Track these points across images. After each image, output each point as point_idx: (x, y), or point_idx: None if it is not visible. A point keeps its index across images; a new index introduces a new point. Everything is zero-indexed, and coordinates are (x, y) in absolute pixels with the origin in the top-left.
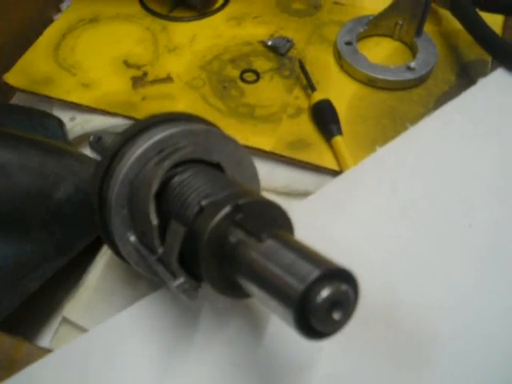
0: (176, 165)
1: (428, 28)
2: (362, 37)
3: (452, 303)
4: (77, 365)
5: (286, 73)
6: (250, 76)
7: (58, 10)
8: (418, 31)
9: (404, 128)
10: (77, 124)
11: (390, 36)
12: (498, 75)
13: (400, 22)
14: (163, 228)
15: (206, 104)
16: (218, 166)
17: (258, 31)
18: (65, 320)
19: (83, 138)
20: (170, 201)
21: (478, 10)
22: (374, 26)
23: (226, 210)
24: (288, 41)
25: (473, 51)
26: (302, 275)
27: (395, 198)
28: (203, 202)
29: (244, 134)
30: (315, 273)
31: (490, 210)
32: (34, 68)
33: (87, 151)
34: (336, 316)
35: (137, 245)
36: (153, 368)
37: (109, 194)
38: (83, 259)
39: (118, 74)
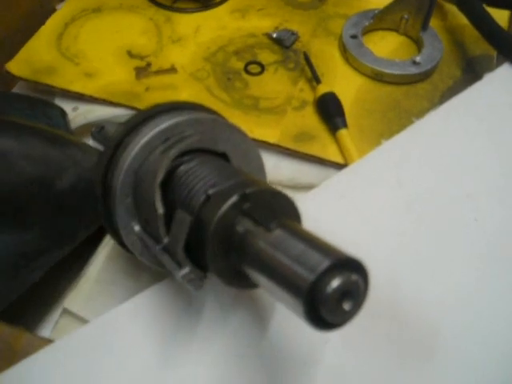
0: (182, 154)
1: (434, 23)
2: (367, 30)
3: (456, 299)
4: (78, 356)
5: (291, 65)
6: (254, 68)
7: (61, 0)
8: (424, 26)
9: (409, 122)
10: (79, 114)
11: (396, 30)
12: (505, 70)
13: (406, 16)
14: (168, 218)
15: (210, 95)
16: (224, 156)
17: (262, 23)
18: (66, 311)
19: (86, 128)
20: (175, 190)
21: (484, 5)
22: (379, 20)
23: (234, 199)
24: (293, 33)
25: (478, 46)
26: (312, 265)
27: (400, 192)
28: (210, 191)
29: (248, 126)
30: (325, 263)
31: (496, 205)
32: (36, 57)
33: (89, 141)
34: (346, 306)
35: (141, 234)
36: (154, 359)
37: (113, 183)
38: (85, 250)
39: (122, 64)
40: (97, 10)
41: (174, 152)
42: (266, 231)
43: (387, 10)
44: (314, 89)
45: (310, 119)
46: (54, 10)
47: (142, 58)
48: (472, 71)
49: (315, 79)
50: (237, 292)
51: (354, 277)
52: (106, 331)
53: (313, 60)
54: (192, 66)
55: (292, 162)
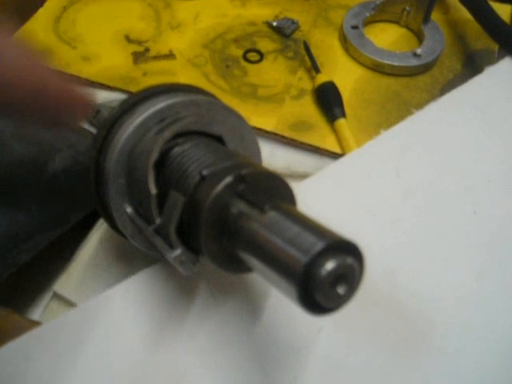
0: (177, 135)
1: (435, 16)
2: (368, 22)
3: (452, 290)
4: (65, 338)
5: (290, 54)
6: (253, 56)
7: None
8: (426, 18)
9: (408, 114)
10: None
11: (397, 22)
12: (506, 64)
13: (407, 8)
14: (162, 200)
15: (207, 82)
16: (220, 140)
17: (262, 12)
18: (56, 295)
19: None
20: (169, 171)
21: None
22: (380, 11)
23: (228, 179)
24: (293, 22)
25: (480, 41)
26: (306, 247)
27: (397, 182)
28: (204, 172)
29: (246, 114)
30: (319, 245)
31: (494, 197)
32: (33, 40)
33: (85, 125)
34: (341, 290)
35: (133, 216)
36: (143, 344)
37: (106, 163)
38: (77, 234)
39: (119, 48)
40: None
41: (168, 133)
42: (260, 213)
43: (389, 1)
44: (312, 78)
45: (308, 108)
46: None
47: (140, 43)
48: (473, 65)
49: (314, 68)
50: (230, 277)
51: (349, 260)
52: (94, 315)
53: (313, 50)
54: (190, 52)
55: (288, 151)
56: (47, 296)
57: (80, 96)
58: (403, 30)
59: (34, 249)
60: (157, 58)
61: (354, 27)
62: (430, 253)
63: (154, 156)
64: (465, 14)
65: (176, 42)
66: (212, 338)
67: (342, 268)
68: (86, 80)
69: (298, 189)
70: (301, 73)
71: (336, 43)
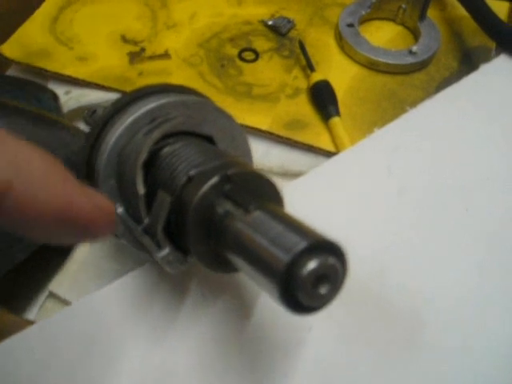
0: (167, 136)
1: (432, 13)
2: (364, 20)
3: (444, 288)
4: (59, 337)
5: (286, 53)
6: (248, 55)
7: None
8: (422, 16)
9: (403, 112)
10: (72, 98)
11: (393, 20)
12: (501, 61)
13: (403, 6)
14: (151, 200)
15: (203, 81)
16: (210, 141)
17: (258, 11)
18: (51, 294)
19: (78, 111)
20: (158, 171)
21: None
22: (376, 9)
23: (214, 180)
24: (289, 21)
25: (476, 38)
26: (288, 246)
27: (390, 180)
28: (192, 172)
29: (241, 113)
30: (302, 244)
31: (487, 195)
32: (30, 40)
33: (82, 126)
34: (323, 290)
35: (123, 216)
36: (134, 343)
37: (97, 164)
38: None
39: (115, 48)
40: None
41: (157, 133)
42: (245, 213)
43: None
44: (308, 77)
45: (304, 107)
46: None
47: (135, 43)
48: (469, 63)
49: (309, 67)
50: (220, 277)
51: (332, 260)
52: (87, 314)
53: (308, 48)
54: (186, 51)
55: (283, 150)
56: (42, 295)
57: (106, 214)
58: (399, 28)
59: (29, 248)
60: (152, 57)
61: (350, 25)
62: (422, 251)
63: (143, 156)
64: (461, 11)
65: (172, 41)
66: (202, 338)
67: (324, 268)
68: (83, 81)
69: (291, 187)
70: (296, 71)
71: (332, 41)
